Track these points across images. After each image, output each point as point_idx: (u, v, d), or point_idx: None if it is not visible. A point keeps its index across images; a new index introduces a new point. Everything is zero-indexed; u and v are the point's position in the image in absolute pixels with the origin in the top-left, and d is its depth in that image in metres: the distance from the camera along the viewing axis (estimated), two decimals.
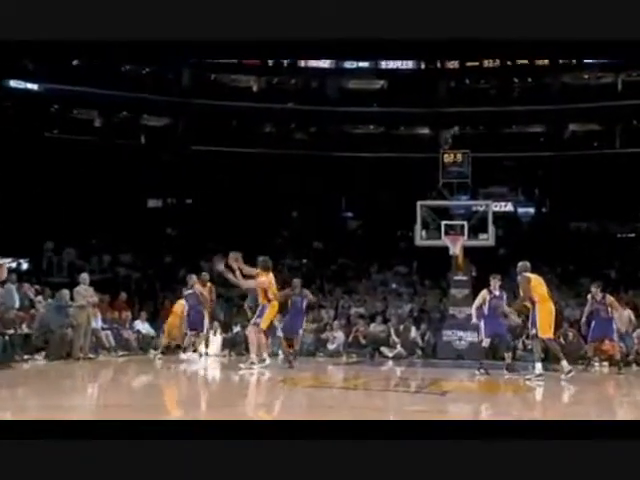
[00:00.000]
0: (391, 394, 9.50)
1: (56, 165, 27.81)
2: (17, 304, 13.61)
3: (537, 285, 10.79)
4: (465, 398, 9.16)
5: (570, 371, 10.69)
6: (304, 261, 24.91)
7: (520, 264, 11.14)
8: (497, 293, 12.27)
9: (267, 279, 11.63)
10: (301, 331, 14.47)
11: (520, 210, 30.66)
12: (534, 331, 10.82)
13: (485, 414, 7.65)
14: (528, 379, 10.66)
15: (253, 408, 7.76)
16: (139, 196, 30.07)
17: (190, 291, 14.65)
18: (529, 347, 14.59)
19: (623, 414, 7.91)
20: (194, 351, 14.73)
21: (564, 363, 10.78)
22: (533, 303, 10.77)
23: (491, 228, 17.55)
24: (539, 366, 10.63)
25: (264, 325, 11.63)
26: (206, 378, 12.75)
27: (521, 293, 11.00)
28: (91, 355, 13.96)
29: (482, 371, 11.79)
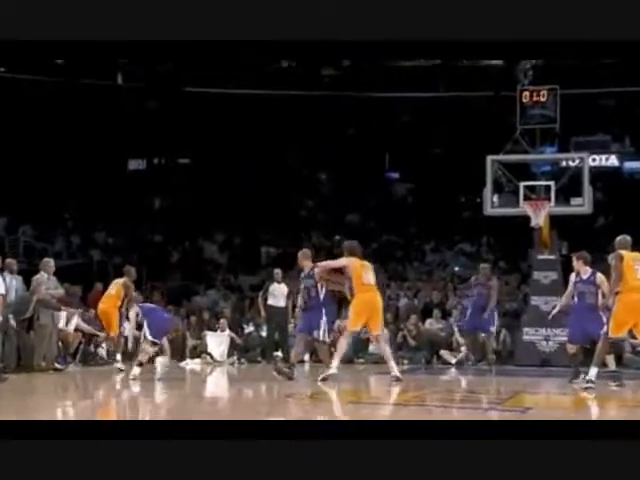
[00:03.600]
0: (456, 412, 9.48)
1: (5, 115, 27.98)
2: None
3: (627, 267, 10.55)
4: (553, 416, 9.10)
5: (589, 381, 10.49)
6: (336, 238, 24.91)
7: (618, 238, 11.02)
8: (584, 276, 12.03)
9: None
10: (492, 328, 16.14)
11: (627, 165, 30.30)
12: (605, 328, 10.77)
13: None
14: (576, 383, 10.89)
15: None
16: (117, 156, 30.23)
17: None
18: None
19: None
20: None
21: (593, 371, 10.56)
22: (616, 292, 10.61)
23: (588, 190, 17.35)
24: (594, 372, 10.51)
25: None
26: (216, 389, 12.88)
27: (612, 276, 10.83)
28: (57, 365, 14.08)
29: (579, 380, 11.61)
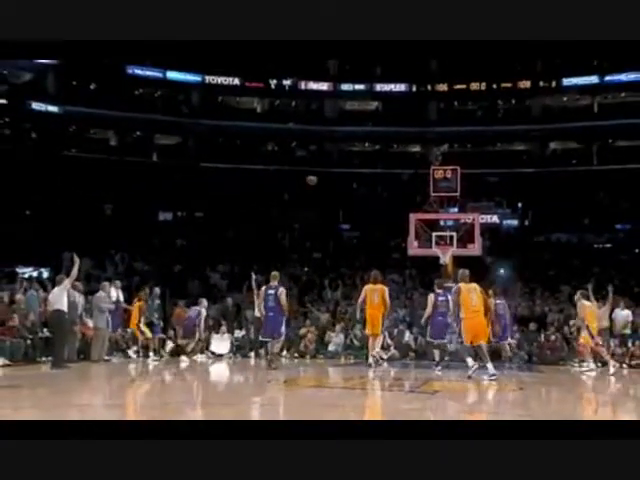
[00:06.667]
0: (387, 393, 9.46)
1: (74, 182, 27.86)
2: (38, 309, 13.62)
3: (465, 298, 10.40)
4: (453, 397, 9.13)
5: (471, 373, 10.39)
6: (305, 269, 24.87)
7: (459, 272, 10.96)
8: (440, 297, 12.80)
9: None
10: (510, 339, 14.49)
11: (505, 222, 30.69)
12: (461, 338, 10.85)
13: (471, 411, 7.63)
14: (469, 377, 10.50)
15: (256, 407, 7.72)
16: (151, 209, 30.09)
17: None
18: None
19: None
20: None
21: (489, 366, 10.35)
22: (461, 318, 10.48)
23: (478, 239, 17.52)
24: (470, 361, 10.48)
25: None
26: (216, 378, 12.72)
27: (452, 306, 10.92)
28: (106, 357, 13.84)
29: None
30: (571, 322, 15.89)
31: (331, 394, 9.20)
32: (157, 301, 16.26)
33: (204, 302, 15.75)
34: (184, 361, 14.56)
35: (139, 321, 14.76)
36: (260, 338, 12.92)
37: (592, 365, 13.51)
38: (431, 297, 12.91)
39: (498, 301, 14.02)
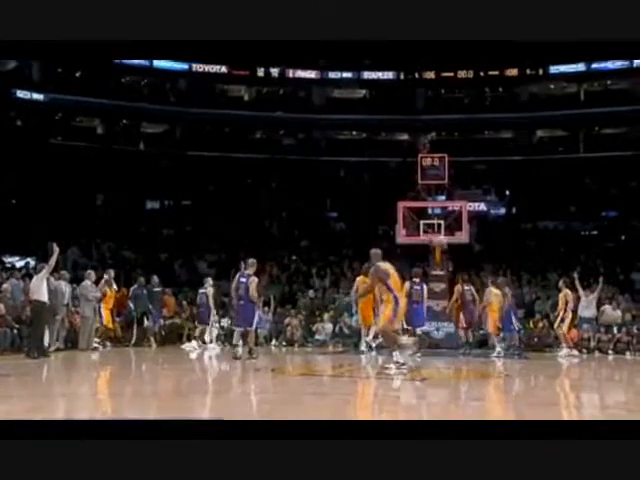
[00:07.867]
0: (375, 381, 9.46)
1: (60, 170, 27.58)
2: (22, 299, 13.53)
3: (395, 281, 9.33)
4: (441, 384, 9.15)
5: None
6: (293, 257, 24.79)
7: (373, 251, 9.65)
8: (417, 285, 13.41)
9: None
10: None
11: (492, 211, 30.75)
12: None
13: (457, 398, 7.64)
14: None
15: (244, 397, 7.71)
16: (138, 198, 29.88)
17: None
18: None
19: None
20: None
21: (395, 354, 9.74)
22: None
23: (466, 227, 17.50)
24: (396, 354, 9.77)
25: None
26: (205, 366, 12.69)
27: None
28: (95, 345, 13.73)
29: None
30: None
31: (319, 382, 9.19)
32: (157, 289, 16.15)
33: (209, 281, 15.52)
34: (172, 350, 14.52)
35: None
36: (233, 327, 12.75)
37: (572, 352, 13.75)
38: (406, 285, 12.86)
39: (467, 287, 14.29)
